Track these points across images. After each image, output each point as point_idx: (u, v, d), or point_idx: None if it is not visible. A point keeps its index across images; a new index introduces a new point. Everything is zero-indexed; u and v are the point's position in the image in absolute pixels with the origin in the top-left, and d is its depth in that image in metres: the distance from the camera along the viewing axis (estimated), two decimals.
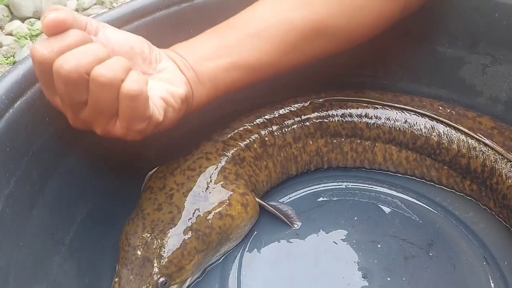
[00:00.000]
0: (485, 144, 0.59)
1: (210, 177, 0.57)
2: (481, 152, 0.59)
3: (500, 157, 0.58)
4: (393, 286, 0.54)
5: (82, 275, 0.53)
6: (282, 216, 0.61)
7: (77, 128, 0.46)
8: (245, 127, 0.63)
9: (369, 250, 0.57)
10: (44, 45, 0.40)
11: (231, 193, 0.56)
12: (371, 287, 0.54)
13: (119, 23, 0.57)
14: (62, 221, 0.52)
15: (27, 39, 1.20)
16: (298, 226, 0.61)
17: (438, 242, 0.58)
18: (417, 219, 0.61)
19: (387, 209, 0.62)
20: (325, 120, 0.65)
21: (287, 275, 0.55)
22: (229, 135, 0.62)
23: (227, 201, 0.56)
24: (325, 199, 0.64)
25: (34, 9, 1.27)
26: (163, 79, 0.48)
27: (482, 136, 0.59)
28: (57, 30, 0.40)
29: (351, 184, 0.66)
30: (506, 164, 0.57)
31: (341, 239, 0.59)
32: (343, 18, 0.55)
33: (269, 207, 0.60)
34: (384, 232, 0.59)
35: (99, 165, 0.57)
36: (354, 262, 0.56)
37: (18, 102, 0.48)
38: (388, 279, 0.54)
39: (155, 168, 0.61)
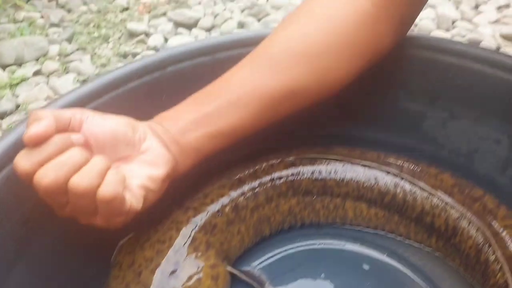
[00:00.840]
0: (446, 203, 0.61)
1: (180, 250, 0.57)
2: (444, 210, 0.61)
3: (461, 215, 0.60)
4: None
5: None
6: (254, 283, 0.61)
7: (63, 217, 0.48)
8: (217, 190, 0.64)
9: None
10: (26, 158, 0.43)
11: (202, 266, 0.56)
12: None
13: (92, 96, 0.60)
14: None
15: (6, 88, 1.20)
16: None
17: None
18: (389, 278, 0.62)
19: (358, 270, 0.63)
20: (297, 179, 0.66)
21: None
22: (200, 200, 0.62)
23: (197, 276, 0.55)
24: (299, 262, 0.65)
25: (15, 57, 1.27)
26: (145, 162, 0.50)
27: (442, 195, 0.61)
28: (38, 142, 0.43)
29: (324, 243, 0.67)
30: (467, 223, 0.59)
31: None
32: (312, 79, 0.59)
33: (241, 275, 0.61)
34: None
35: (68, 249, 0.58)
36: None
37: None
38: None
39: (127, 237, 0.61)
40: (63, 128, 0.46)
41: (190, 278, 0.55)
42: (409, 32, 0.68)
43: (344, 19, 0.59)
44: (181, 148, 0.53)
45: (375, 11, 0.59)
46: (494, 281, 0.55)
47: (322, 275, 0.63)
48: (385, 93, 0.70)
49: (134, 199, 0.47)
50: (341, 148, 0.69)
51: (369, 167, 0.65)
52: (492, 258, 0.56)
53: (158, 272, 0.54)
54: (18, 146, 0.52)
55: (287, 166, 0.66)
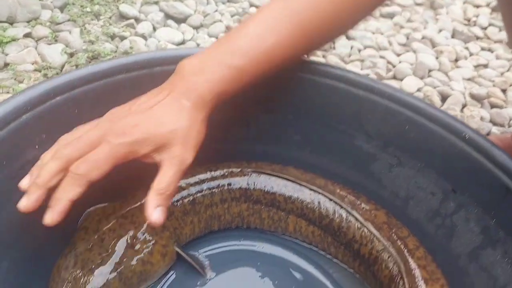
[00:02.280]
0: (374, 236, 0.70)
1: (139, 227, 0.66)
2: (370, 241, 0.70)
3: (384, 249, 0.69)
4: None
5: None
6: (196, 266, 0.70)
7: None
8: (179, 184, 0.72)
9: None
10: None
11: (155, 243, 0.66)
12: None
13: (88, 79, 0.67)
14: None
15: None
16: (209, 276, 0.71)
17: None
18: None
19: (288, 275, 0.73)
20: (250, 188, 0.75)
21: None
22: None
23: (150, 250, 0.65)
24: (238, 257, 0.74)
25: (8, 14, 1.28)
26: None
27: (373, 228, 0.70)
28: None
29: (264, 246, 0.77)
30: (387, 256, 0.69)
31: None
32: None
33: (186, 257, 0.70)
34: None
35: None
36: None
37: None
38: None
39: (93, 207, 0.69)
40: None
41: (143, 251, 0.65)
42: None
43: None
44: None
45: None
46: None
47: (258, 272, 0.73)
48: (344, 130, 0.79)
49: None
50: (295, 170, 0.78)
51: (315, 191, 0.74)
52: None
53: (120, 241, 0.64)
54: (15, 111, 0.60)
55: (244, 176, 0.75)
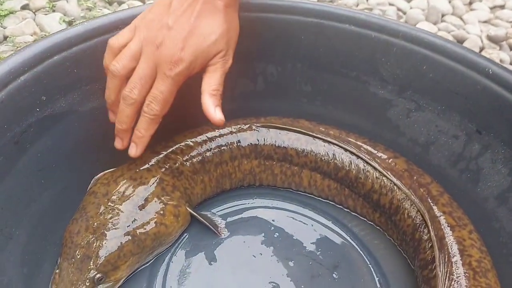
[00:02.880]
0: (395, 184, 0.67)
1: (149, 188, 0.64)
2: (391, 190, 0.67)
3: (405, 197, 0.66)
4: None
5: (25, 265, 0.59)
6: (210, 226, 0.68)
7: None
8: (187, 142, 0.70)
9: (282, 266, 0.65)
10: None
11: (166, 204, 0.64)
12: None
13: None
14: (11, 218, 0.58)
15: None
16: (224, 235, 0.68)
17: (343, 265, 0.66)
18: (330, 243, 0.69)
19: (305, 231, 0.70)
20: (260, 144, 0.72)
21: (206, 282, 0.63)
22: (171, 148, 0.68)
23: (162, 212, 0.63)
24: (252, 215, 0.72)
25: None
26: None
27: (393, 177, 0.67)
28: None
29: (278, 203, 0.74)
30: (409, 204, 0.66)
31: (259, 253, 0.67)
32: None
33: (200, 217, 0.67)
34: (298, 251, 0.67)
35: (49, 169, 0.63)
36: (267, 275, 0.64)
37: None
38: None
39: (102, 173, 0.67)
40: None
41: (157, 212, 0.62)
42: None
43: None
44: None
45: None
46: (423, 257, 0.62)
47: (272, 228, 0.70)
48: (357, 77, 0.75)
49: None
50: (308, 122, 0.75)
51: (329, 142, 0.71)
52: (425, 237, 0.62)
53: (130, 203, 0.61)
54: (12, 72, 0.58)
55: (254, 131, 0.72)
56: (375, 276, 0.65)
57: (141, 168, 0.66)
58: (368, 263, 0.67)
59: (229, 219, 0.71)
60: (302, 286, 0.63)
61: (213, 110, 0.60)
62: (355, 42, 0.72)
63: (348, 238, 0.70)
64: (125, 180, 0.64)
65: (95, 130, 0.69)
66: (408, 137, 0.75)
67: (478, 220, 0.66)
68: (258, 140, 0.72)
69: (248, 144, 0.72)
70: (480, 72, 0.67)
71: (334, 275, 0.65)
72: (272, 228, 0.70)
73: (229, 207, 0.73)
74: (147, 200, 0.63)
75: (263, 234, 0.69)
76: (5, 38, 1.14)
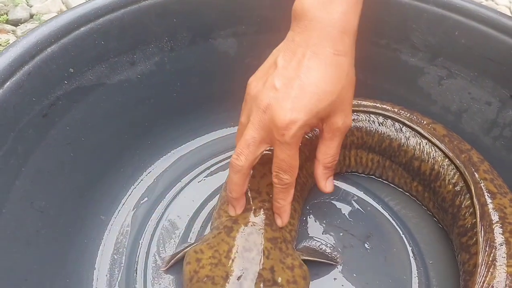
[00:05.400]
0: (439, 149, 0.65)
1: (269, 254, 0.54)
2: (432, 156, 0.66)
3: (447, 163, 0.64)
4: (326, 270, 0.61)
5: (56, 239, 0.60)
6: (326, 260, 0.61)
7: None
8: (262, 179, 0.61)
9: (314, 237, 0.64)
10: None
11: (294, 269, 0.54)
12: (308, 269, 0.61)
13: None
14: (41, 191, 0.58)
15: None
16: (340, 262, 0.62)
17: (376, 235, 0.65)
18: (361, 213, 0.68)
19: (336, 202, 0.69)
20: (313, 139, 0.66)
21: None
22: (259, 198, 0.59)
23: (293, 279, 0.53)
24: None
25: None
26: None
27: (438, 142, 0.65)
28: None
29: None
30: (450, 171, 0.64)
31: None
32: None
33: (315, 259, 0.61)
34: (329, 222, 0.66)
35: (78, 142, 0.63)
36: (298, 247, 0.63)
37: (8, 83, 0.53)
38: (324, 264, 0.61)
39: (195, 253, 0.55)
40: None
41: (288, 283, 0.53)
42: None
43: None
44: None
45: None
46: (462, 223, 0.60)
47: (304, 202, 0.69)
48: (388, 45, 0.73)
49: None
50: None
51: (369, 113, 0.69)
52: (466, 203, 0.61)
53: (259, 281, 0.51)
54: (39, 43, 0.57)
55: None
56: (408, 246, 0.64)
57: (248, 234, 0.56)
58: (401, 233, 0.66)
59: None
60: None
61: (324, 183, 0.59)
62: (385, 9, 0.70)
63: (380, 208, 0.69)
64: (239, 253, 0.53)
65: (124, 104, 0.68)
66: (440, 105, 0.73)
67: None
68: (311, 138, 0.66)
69: (304, 145, 0.63)
70: None
71: (366, 245, 0.64)
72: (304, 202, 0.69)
73: None
74: (273, 270, 0.53)
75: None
76: (31, 16, 1.15)
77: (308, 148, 0.65)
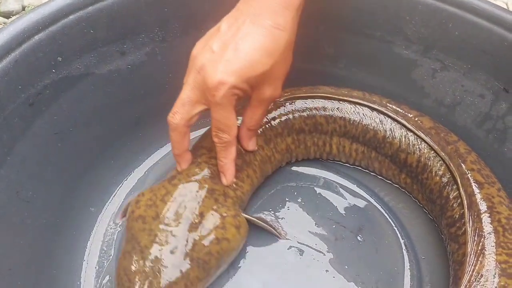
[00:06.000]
0: (423, 141, 0.65)
1: (202, 202, 0.57)
2: (418, 149, 0.65)
3: (433, 155, 0.64)
4: (319, 262, 0.61)
5: (43, 229, 0.59)
6: (271, 229, 0.63)
7: None
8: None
9: (305, 230, 0.64)
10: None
11: (224, 216, 0.57)
12: (301, 262, 0.61)
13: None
14: (28, 181, 0.57)
15: None
16: (285, 236, 0.64)
17: (367, 228, 0.65)
18: (353, 206, 0.67)
19: (328, 194, 0.69)
20: (290, 118, 0.68)
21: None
22: (207, 155, 0.62)
23: (222, 225, 0.56)
24: (275, 180, 0.71)
25: None
26: None
27: (422, 133, 0.65)
28: None
29: (301, 168, 0.72)
30: (437, 162, 0.64)
31: (282, 218, 0.66)
32: None
33: (258, 222, 0.62)
34: (322, 215, 0.66)
35: (66, 133, 0.62)
36: (292, 239, 0.63)
37: None
38: (316, 256, 0.61)
39: (140, 194, 0.59)
40: None
41: (216, 227, 0.56)
42: None
43: None
44: None
45: None
46: (450, 214, 0.60)
47: (295, 193, 0.69)
48: (382, 37, 0.72)
49: None
50: (328, 87, 0.72)
51: (355, 104, 0.68)
52: (453, 194, 0.61)
53: (185, 223, 0.55)
54: (26, 31, 0.56)
55: (279, 107, 0.68)
56: (400, 239, 0.64)
57: (187, 182, 0.58)
58: (393, 225, 0.65)
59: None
60: (326, 248, 0.62)
61: (247, 142, 0.62)
62: (379, 1, 0.69)
63: (372, 201, 0.68)
64: (173, 198, 0.57)
65: (113, 94, 0.67)
66: (433, 98, 0.72)
67: (505, 181, 0.63)
68: (287, 115, 0.68)
69: (279, 122, 0.67)
70: (508, 28, 0.64)
71: (358, 237, 0.64)
72: (296, 192, 0.69)
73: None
74: (203, 216, 0.56)
75: (286, 199, 0.68)
76: (23, 8, 1.14)
77: (282, 125, 0.67)
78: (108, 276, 0.60)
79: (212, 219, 0.56)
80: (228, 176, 0.60)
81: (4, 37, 0.54)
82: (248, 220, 0.60)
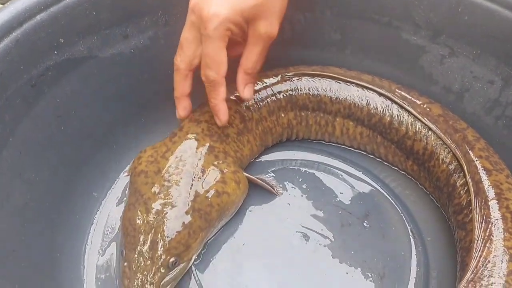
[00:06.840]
0: (429, 129, 0.64)
1: (203, 157, 0.59)
2: (425, 136, 0.64)
3: (440, 143, 0.63)
4: (325, 248, 0.60)
5: (46, 212, 0.58)
6: (269, 187, 0.65)
7: None
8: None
9: (311, 216, 0.63)
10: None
11: (225, 171, 0.59)
12: (306, 247, 0.60)
13: None
14: (30, 163, 0.56)
15: None
16: (281, 194, 0.66)
17: (373, 214, 0.64)
18: (360, 192, 0.67)
19: (334, 181, 0.68)
20: (295, 94, 0.69)
21: (235, 231, 0.62)
22: (210, 114, 0.63)
23: (222, 179, 0.58)
24: (281, 167, 0.70)
25: None
26: None
27: (428, 121, 0.64)
28: None
29: (306, 154, 0.72)
30: (444, 150, 0.63)
31: (288, 204, 0.65)
32: None
33: (257, 180, 0.64)
34: (327, 201, 0.65)
35: (68, 116, 0.61)
36: (296, 224, 0.62)
37: None
38: (322, 241, 0.60)
39: (142, 152, 0.61)
40: None
41: (217, 181, 0.58)
42: None
43: None
44: None
45: None
46: (458, 202, 0.59)
47: (300, 179, 0.68)
48: (389, 22, 0.71)
49: None
50: (337, 68, 0.71)
51: (362, 87, 0.67)
52: (460, 182, 0.60)
53: (187, 177, 0.57)
54: (28, 10, 0.55)
55: (286, 81, 0.68)
56: (407, 225, 0.63)
57: (187, 139, 0.60)
58: (400, 211, 0.64)
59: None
60: (332, 234, 0.61)
61: (242, 88, 0.60)
62: None
63: (378, 187, 0.67)
64: (174, 154, 0.59)
65: (116, 78, 0.66)
66: (441, 85, 0.71)
67: None
68: (292, 90, 0.68)
69: (284, 96, 0.68)
70: None
71: (364, 224, 0.63)
72: (301, 179, 0.68)
73: (257, 160, 0.70)
74: (204, 170, 0.58)
75: (291, 185, 0.67)
76: None
77: (286, 99, 0.68)
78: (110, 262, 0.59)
79: (213, 173, 0.58)
80: (221, 116, 0.60)
81: (5, 16, 0.54)
82: (247, 179, 0.62)
